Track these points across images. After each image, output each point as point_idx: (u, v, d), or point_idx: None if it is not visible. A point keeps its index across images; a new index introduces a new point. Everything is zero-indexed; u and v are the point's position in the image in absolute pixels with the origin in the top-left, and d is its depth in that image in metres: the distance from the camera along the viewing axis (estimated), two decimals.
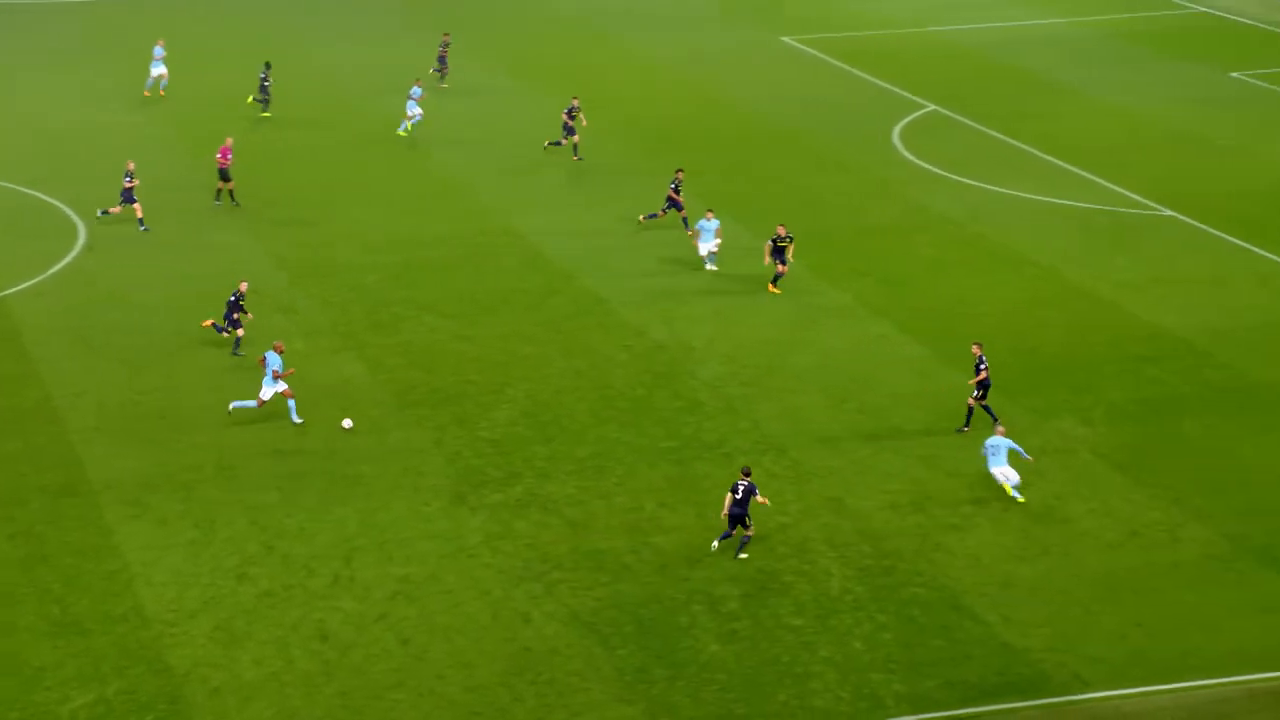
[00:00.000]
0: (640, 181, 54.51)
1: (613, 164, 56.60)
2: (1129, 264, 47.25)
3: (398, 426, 37.42)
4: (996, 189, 53.94)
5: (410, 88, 59.25)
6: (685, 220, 48.67)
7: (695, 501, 34.29)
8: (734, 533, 32.45)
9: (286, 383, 37.46)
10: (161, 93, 62.78)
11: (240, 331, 40.68)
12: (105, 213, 49.36)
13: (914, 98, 64.81)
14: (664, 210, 49.36)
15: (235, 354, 40.36)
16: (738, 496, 32.22)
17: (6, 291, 44.41)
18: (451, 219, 50.78)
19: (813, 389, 39.42)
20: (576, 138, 56.14)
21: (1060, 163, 56.63)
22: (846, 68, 69.84)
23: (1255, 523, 33.15)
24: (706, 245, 46.25)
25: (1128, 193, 53.33)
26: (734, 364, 40.75)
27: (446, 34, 67.03)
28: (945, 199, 52.88)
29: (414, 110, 58.61)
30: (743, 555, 32.25)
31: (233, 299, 40.78)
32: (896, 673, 28.64)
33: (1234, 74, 68.69)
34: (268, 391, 37.29)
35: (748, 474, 32.57)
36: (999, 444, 34.43)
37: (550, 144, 56.72)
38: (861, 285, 45.81)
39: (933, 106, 63.69)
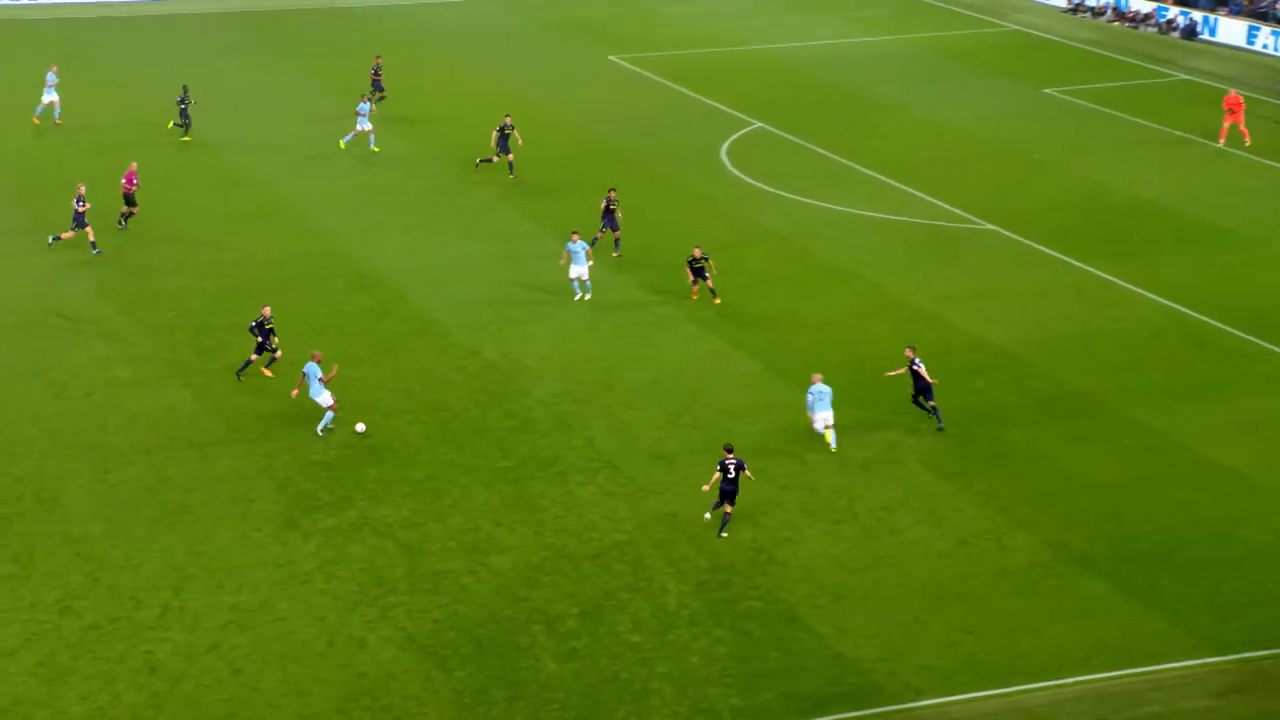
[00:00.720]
0: (467, 202, 54.43)
1: (441, 185, 56.40)
2: (952, 277, 48.23)
3: (226, 453, 36.83)
4: (822, 204, 54.72)
5: (358, 104, 59.82)
6: (618, 240, 49.13)
7: (531, 521, 34.25)
8: (723, 506, 33.60)
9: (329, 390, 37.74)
10: (58, 120, 61.24)
11: (279, 354, 40.45)
12: (56, 238, 48.18)
13: (740, 115, 65.52)
14: (602, 230, 49.06)
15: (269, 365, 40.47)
16: (729, 475, 33.39)
17: None
18: (279, 242, 50.16)
19: (647, 405, 39.60)
20: (511, 156, 56.10)
21: (884, 178, 57.64)
22: (674, 86, 70.41)
23: (1075, 530, 33.99)
24: (577, 269, 45.30)
25: (949, 207, 54.46)
26: (567, 381, 40.79)
27: (378, 56, 66.22)
28: (773, 215, 53.51)
29: (364, 125, 59.15)
30: (724, 534, 33.49)
31: (255, 325, 40.28)
32: (733, 686, 28.85)
33: (1047, 90, 70.52)
34: (326, 396, 37.46)
35: (731, 450, 33.74)
36: (822, 391, 37.04)
37: (481, 160, 56.76)
38: (693, 301, 46.11)
39: (759, 124, 64.44)
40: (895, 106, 67.60)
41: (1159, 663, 29.60)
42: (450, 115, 65.28)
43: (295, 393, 38.00)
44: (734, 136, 62.74)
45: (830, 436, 37.38)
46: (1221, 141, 61.29)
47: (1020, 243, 51.03)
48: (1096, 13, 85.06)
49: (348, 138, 59.38)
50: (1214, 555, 32.98)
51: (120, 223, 50.63)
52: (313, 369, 37.60)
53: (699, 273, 45.72)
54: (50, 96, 61.56)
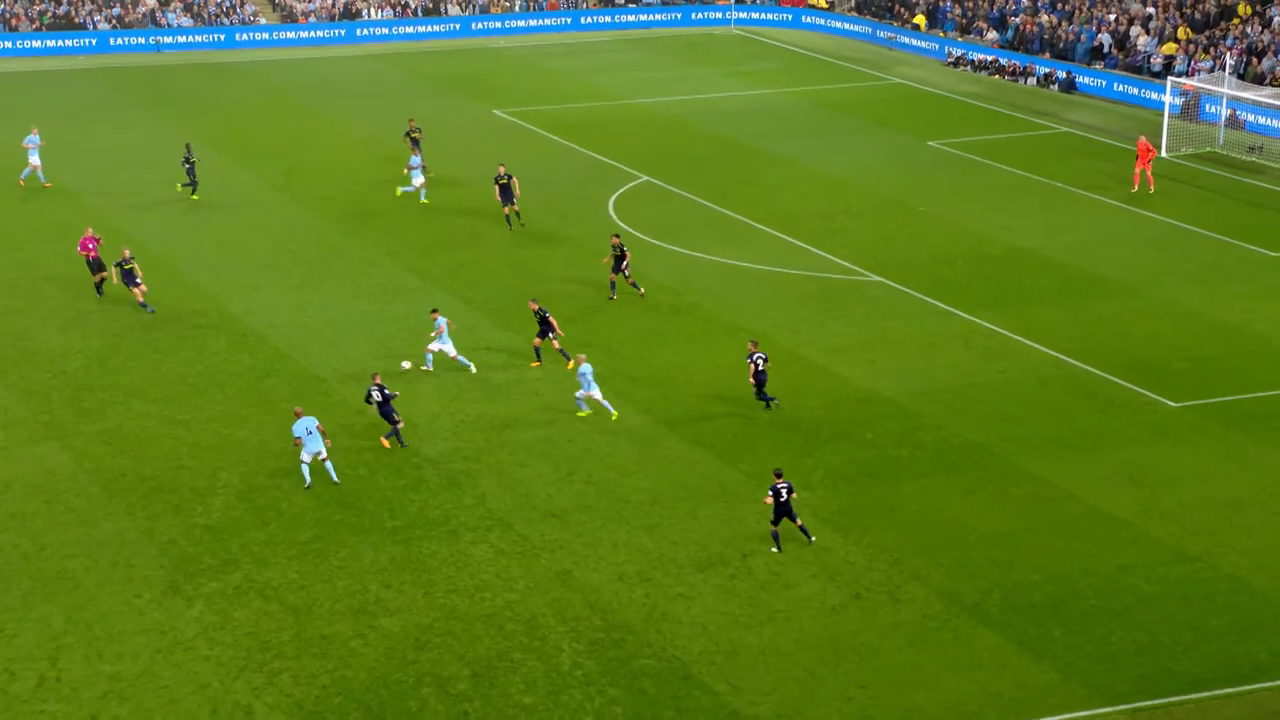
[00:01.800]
0: (350, 258, 53.92)
1: (323, 241, 55.84)
2: (840, 329, 48.42)
3: (106, 517, 35.97)
4: (709, 257, 54.81)
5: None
6: (517, 214, 51.51)
7: (422, 581, 33.73)
8: (782, 522, 34.76)
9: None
10: (22, 183, 59.78)
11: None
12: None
13: (627, 168, 65.63)
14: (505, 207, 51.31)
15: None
16: (782, 500, 34.38)
17: None
18: (160, 300, 49.25)
19: (538, 462, 39.26)
20: (516, 206, 56.10)
21: (771, 230, 57.88)
22: (560, 140, 70.43)
23: (967, 581, 34.04)
24: (440, 345, 44.19)
25: (836, 259, 54.75)
26: (457, 439, 40.35)
27: (411, 120, 65.40)
28: (660, 268, 53.50)
29: (418, 180, 59.67)
30: (813, 539, 35.18)
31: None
32: None
33: (931, 142, 71.35)
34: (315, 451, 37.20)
35: (780, 474, 34.75)
36: (586, 370, 40.59)
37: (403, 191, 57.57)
38: (584, 356, 45.80)
39: (645, 177, 64.55)
40: (782, 159, 68.05)
41: (1052, 714, 29.61)
42: (333, 169, 64.78)
43: (296, 443, 37.64)
44: (621, 190, 62.79)
45: (598, 407, 41.25)
46: (1135, 187, 62.46)
47: (907, 294, 51.39)
48: (978, 66, 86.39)
49: (408, 188, 59.23)
50: (1104, 605, 33.15)
51: (99, 291, 49.36)
52: (308, 422, 37.25)
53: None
54: (35, 159, 59.99)
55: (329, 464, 37.67)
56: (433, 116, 73.68)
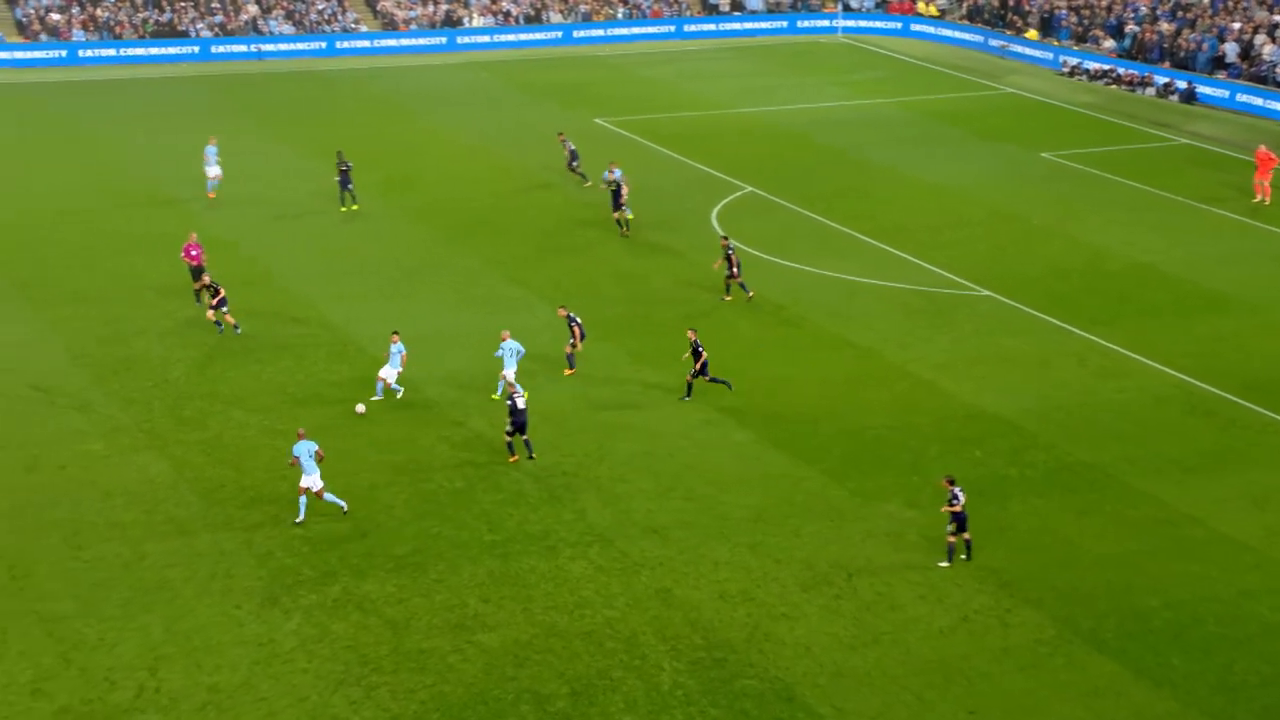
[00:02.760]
0: (453, 269, 53.70)
1: (426, 251, 55.67)
2: (949, 345, 47.43)
3: (205, 527, 35.79)
4: (814, 270, 54.01)
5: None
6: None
7: (520, 597, 33.24)
8: (961, 535, 34.40)
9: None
10: (212, 194, 60.02)
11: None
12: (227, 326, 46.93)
13: (730, 179, 64.98)
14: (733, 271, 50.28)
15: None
16: (959, 507, 34.04)
17: None
18: (261, 310, 49.23)
19: (639, 477, 38.67)
20: (618, 215, 55.73)
21: (878, 243, 56.98)
22: (661, 149, 69.94)
23: (1081, 606, 33.02)
24: (388, 371, 42.30)
25: (945, 273, 53.74)
26: (557, 453, 39.83)
27: (561, 133, 65.64)
28: (764, 280, 52.76)
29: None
30: (943, 564, 34.39)
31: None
32: None
33: (1045, 154, 70.07)
34: (315, 479, 36.05)
35: (953, 481, 34.36)
36: (511, 347, 41.29)
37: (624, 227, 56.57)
38: (684, 370, 45.23)
39: (749, 188, 63.88)
40: (889, 170, 67.10)
41: None
42: (433, 178, 64.68)
43: (292, 463, 36.68)
44: (724, 201, 62.15)
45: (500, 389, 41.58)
46: (1258, 197, 61.10)
47: (1018, 309, 50.29)
48: (1094, 76, 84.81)
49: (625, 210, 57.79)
50: (1226, 632, 32.01)
51: (198, 299, 49.48)
52: (308, 446, 36.09)
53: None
54: (214, 170, 59.96)
55: (328, 495, 36.23)
56: (533, 125, 73.51)
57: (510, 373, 41.48)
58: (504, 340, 42.16)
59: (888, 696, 29.97)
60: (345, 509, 36.40)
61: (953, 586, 33.79)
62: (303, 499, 36.16)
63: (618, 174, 57.21)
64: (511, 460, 38.75)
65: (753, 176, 65.21)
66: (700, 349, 42.43)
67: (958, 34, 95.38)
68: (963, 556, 34.60)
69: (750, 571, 34.41)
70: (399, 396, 42.54)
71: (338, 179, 59.71)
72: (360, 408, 39.94)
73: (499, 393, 42.50)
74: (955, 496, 34.27)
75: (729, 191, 63.45)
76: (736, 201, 62.30)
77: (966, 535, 34.54)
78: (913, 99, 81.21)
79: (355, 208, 59.66)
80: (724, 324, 48.97)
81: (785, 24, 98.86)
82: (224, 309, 46.44)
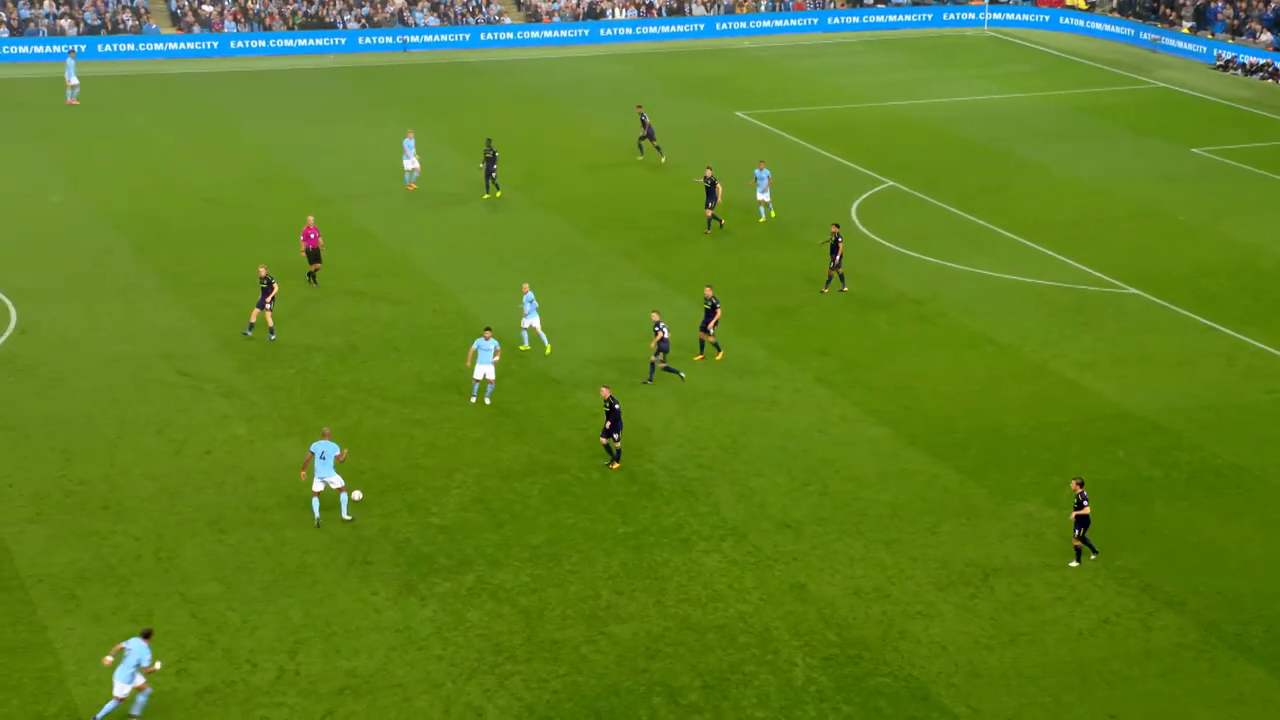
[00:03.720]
0: (590, 259, 53.83)
1: (563, 242, 55.86)
2: (1093, 343, 46.63)
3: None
4: (955, 265, 53.39)
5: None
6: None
7: (653, 589, 33.25)
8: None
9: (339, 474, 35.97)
10: (412, 186, 60.60)
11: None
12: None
13: (871, 173, 64.45)
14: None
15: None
16: (1086, 510, 33.50)
17: None
18: (401, 300, 49.75)
19: (773, 471, 38.51)
20: (713, 210, 55.80)
21: (1022, 239, 56.19)
22: (802, 143, 69.55)
23: (1227, 611, 32.31)
24: (482, 369, 41.73)
25: (1090, 270, 52.84)
26: (692, 446, 39.79)
27: (639, 106, 67.14)
28: (903, 276, 52.29)
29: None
30: (1073, 564, 33.87)
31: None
32: None
33: (1196, 150, 68.62)
34: (337, 479, 35.68)
35: (1082, 483, 33.72)
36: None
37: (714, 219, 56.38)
38: (821, 364, 45.03)
39: (890, 182, 63.32)
40: (1034, 166, 66.13)
41: None
42: (573, 170, 64.90)
43: (303, 474, 36.19)
44: (865, 195, 61.67)
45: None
46: None
47: (1166, 308, 49.29)
48: (1249, 70, 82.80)
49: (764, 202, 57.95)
50: None
51: (311, 280, 50.42)
52: (328, 448, 35.63)
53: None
54: (411, 163, 60.55)
55: (343, 495, 35.85)
56: (674, 118, 73.46)
57: (532, 321, 43.39)
58: (525, 292, 44.78)
59: (1024, 698, 29.57)
60: (359, 498, 35.67)
61: (1093, 588, 33.22)
62: (315, 501, 35.50)
63: (765, 173, 56.85)
64: (614, 467, 38.29)
65: (894, 171, 64.63)
66: (660, 329, 42.45)
67: (1108, 27, 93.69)
68: (1091, 556, 34.04)
69: (885, 568, 34.12)
70: (486, 401, 42.20)
71: (482, 166, 60.20)
72: (357, 495, 35.81)
73: (525, 343, 45.09)
74: (1082, 500, 33.55)
75: (869, 185, 62.93)
76: (877, 195, 61.78)
77: (1076, 541, 33.89)
78: (1059, 93, 79.95)
79: (499, 195, 60.11)
80: (859, 319, 48.59)
81: (930, 17, 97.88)
82: (269, 307, 46.08)
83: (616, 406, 38.06)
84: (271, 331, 46.14)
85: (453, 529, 35.70)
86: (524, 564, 34.26)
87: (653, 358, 42.84)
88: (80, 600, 32.44)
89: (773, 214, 56.79)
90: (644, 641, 31.41)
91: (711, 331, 44.60)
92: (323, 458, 35.59)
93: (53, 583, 33.04)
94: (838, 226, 50.43)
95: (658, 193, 61.55)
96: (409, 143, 60.98)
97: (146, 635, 28.85)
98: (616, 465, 38.30)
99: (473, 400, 41.97)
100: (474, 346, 41.81)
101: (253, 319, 46.23)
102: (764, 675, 30.37)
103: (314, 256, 50.36)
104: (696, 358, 44.65)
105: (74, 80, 74.39)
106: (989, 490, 37.51)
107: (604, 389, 38.60)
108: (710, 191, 55.99)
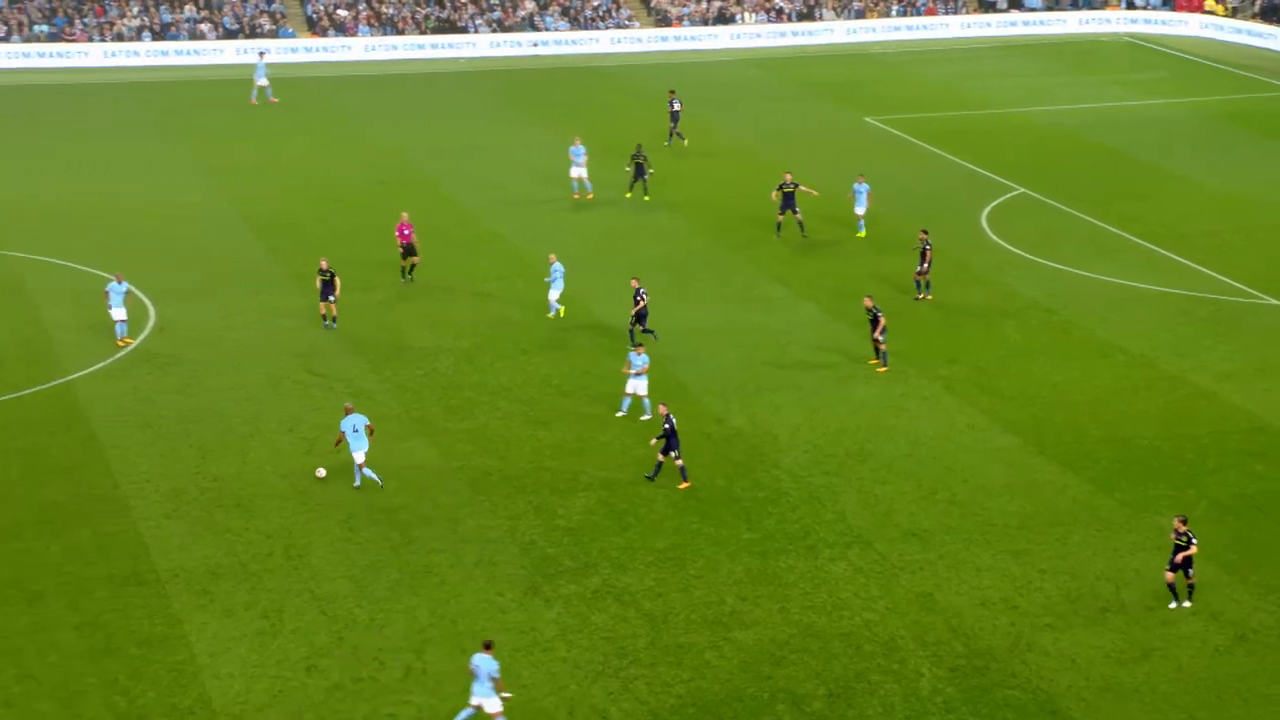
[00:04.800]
0: (718, 264, 53.74)
1: (690, 246, 55.80)
2: (1230, 354, 45.71)
3: (471, 514, 36.53)
4: (1088, 274, 52.62)
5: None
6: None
7: (778, 596, 33.14)
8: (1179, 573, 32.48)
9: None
10: (590, 196, 60.39)
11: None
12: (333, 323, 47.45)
13: (1002, 180, 63.73)
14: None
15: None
16: (1193, 551, 32.10)
17: (75, 375, 43.97)
18: (531, 302, 50.01)
19: (901, 479, 38.20)
20: (799, 215, 55.73)
21: (1156, 248, 55.25)
22: (932, 149, 68.94)
23: None
24: (639, 384, 41.45)
25: (1228, 280, 51.82)
26: (818, 453, 39.59)
27: (672, 90, 68.43)
28: (1034, 284, 51.65)
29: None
30: (1187, 604, 32.37)
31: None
32: None
33: None
34: (361, 454, 37.26)
35: (1185, 521, 32.31)
36: (560, 269, 45.24)
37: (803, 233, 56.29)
38: (950, 372, 44.61)
39: (1022, 189, 62.56)
40: (1171, 173, 65.00)
41: None
42: (701, 175, 64.83)
43: (336, 446, 37.80)
44: (995, 202, 60.98)
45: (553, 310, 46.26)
46: None
47: None
48: None
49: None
50: None
51: (406, 276, 51.07)
52: (357, 420, 37.07)
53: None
54: (578, 171, 60.34)
55: (366, 470, 37.15)
56: (802, 123, 73.23)
57: (557, 293, 44.33)
58: (552, 263, 47.24)
59: (1157, 714, 29.12)
60: (380, 484, 37.25)
61: (1229, 603, 32.57)
62: (365, 470, 37.14)
63: (864, 187, 56.02)
64: (683, 486, 37.68)
65: (1025, 177, 63.84)
66: (640, 298, 44.74)
67: (1249, 33, 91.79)
68: (1185, 603, 32.56)
69: (1014, 579, 33.71)
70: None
71: (629, 168, 60.38)
72: (320, 472, 37.80)
73: (552, 313, 47.50)
74: (1185, 538, 32.06)
75: (1000, 192, 62.24)
76: (1007, 203, 61.07)
77: (1190, 580, 32.47)
78: (1197, 99, 78.52)
79: (645, 198, 60.20)
80: (988, 326, 48.06)
81: (1065, 22, 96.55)
82: (333, 299, 46.87)
83: (672, 424, 37.47)
84: (334, 321, 47.03)
85: (578, 531, 35.82)
86: (649, 568, 34.28)
87: (630, 325, 45.12)
88: (213, 595, 33.00)
89: (862, 233, 55.93)
90: (768, 648, 31.30)
91: (882, 340, 44.16)
92: (355, 431, 36.97)
93: (187, 578, 33.65)
94: (926, 233, 49.91)
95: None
96: (577, 150, 60.57)
97: (488, 647, 28.82)
98: (686, 484, 37.73)
99: (619, 414, 41.48)
100: (629, 359, 41.63)
101: (322, 311, 47.10)
102: (889, 685, 30.14)
103: (409, 251, 50.95)
104: (872, 362, 44.34)
105: (262, 81, 76.13)
106: (1120, 502, 36.94)
107: (662, 406, 38.40)
108: (790, 198, 55.53)
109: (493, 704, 28.44)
